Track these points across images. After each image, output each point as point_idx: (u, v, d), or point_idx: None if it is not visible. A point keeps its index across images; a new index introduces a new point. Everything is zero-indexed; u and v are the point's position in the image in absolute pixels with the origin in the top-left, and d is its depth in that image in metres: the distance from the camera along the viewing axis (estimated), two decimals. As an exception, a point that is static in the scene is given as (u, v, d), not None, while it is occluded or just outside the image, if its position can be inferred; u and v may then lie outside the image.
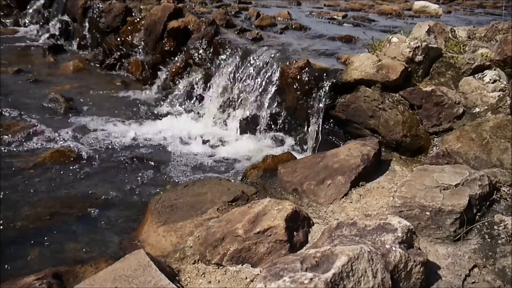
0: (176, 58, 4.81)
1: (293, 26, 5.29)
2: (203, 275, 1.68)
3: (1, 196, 2.66)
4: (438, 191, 1.86)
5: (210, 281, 1.64)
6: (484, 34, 3.39)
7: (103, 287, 1.42)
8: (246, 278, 1.64)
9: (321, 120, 3.35)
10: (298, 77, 3.48)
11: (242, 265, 1.71)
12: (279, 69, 3.66)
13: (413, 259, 1.43)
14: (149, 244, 2.11)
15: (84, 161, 3.21)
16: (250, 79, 3.91)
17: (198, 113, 4.27)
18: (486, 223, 1.84)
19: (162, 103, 4.55)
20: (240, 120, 3.91)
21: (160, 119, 4.16)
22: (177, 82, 4.63)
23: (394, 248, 1.41)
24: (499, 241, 1.75)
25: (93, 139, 3.61)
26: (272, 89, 3.71)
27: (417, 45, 2.95)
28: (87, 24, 6.14)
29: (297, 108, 3.54)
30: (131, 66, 5.34)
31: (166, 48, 4.84)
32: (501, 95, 2.71)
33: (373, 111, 3.02)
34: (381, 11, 7.47)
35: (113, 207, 2.67)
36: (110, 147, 3.52)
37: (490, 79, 2.78)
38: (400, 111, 2.92)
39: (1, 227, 2.39)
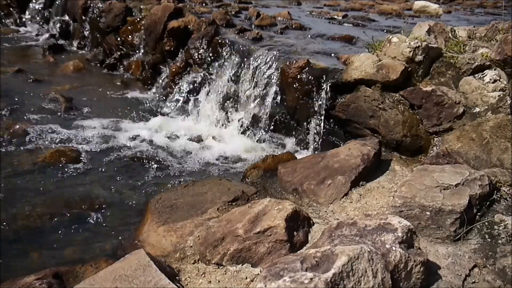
0: (176, 58, 4.81)
1: (293, 26, 5.29)
2: (203, 275, 1.68)
3: (1, 196, 2.66)
4: (438, 191, 1.86)
5: (210, 281, 1.64)
6: (484, 34, 3.38)
7: (103, 287, 1.42)
8: (246, 278, 1.64)
9: (321, 120, 3.35)
10: (298, 77, 3.48)
11: (242, 265, 1.71)
12: (279, 69, 3.66)
13: (413, 259, 1.43)
14: (149, 244, 2.11)
15: (84, 161, 3.21)
16: (250, 79, 3.91)
17: (198, 113, 4.27)
18: (486, 223, 1.84)
19: (162, 103, 4.55)
20: (240, 120, 3.91)
21: (160, 119, 4.16)
22: (177, 82, 4.63)
23: (394, 248, 1.41)
24: (499, 241, 1.75)
25: (93, 139, 3.62)
26: (272, 89, 3.71)
27: (417, 45, 2.95)
28: (87, 24, 6.14)
29: (297, 108, 3.54)
30: (131, 66, 5.34)
31: (166, 48, 4.84)
32: (501, 95, 2.70)
33: (373, 111, 3.02)
34: (381, 11, 7.47)
35: (113, 206, 2.67)
36: (110, 147, 3.52)
37: (490, 79, 2.78)
38: (400, 111, 2.92)
39: (1, 227, 2.39)
